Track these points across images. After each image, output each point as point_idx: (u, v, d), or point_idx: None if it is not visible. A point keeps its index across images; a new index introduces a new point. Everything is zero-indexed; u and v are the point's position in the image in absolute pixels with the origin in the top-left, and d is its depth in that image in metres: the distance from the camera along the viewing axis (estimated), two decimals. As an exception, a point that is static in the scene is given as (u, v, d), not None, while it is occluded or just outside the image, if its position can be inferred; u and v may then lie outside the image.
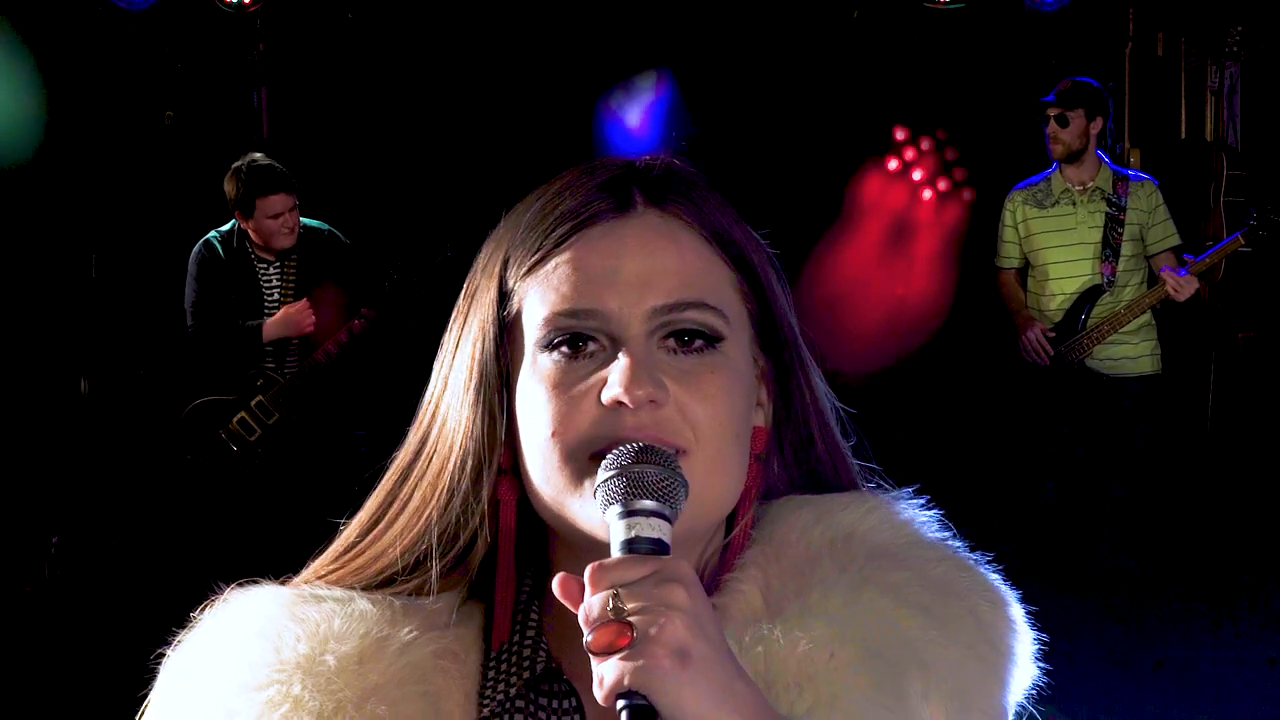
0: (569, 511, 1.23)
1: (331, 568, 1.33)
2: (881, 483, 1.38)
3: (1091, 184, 6.46)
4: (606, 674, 1.05)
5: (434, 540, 1.29)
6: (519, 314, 1.28)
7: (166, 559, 6.37)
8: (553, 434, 1.23)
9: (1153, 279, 6.43)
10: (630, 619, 1.06)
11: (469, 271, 1.34)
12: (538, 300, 1.27)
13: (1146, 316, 6.45)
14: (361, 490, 1.35)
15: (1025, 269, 6.67)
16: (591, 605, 1.08)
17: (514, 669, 1.28)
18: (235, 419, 6.20)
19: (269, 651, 1.24)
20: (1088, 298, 6.43)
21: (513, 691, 1.27)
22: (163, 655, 1.30)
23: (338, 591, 1.30)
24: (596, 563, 1.09)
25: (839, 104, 7.76)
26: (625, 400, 1.20)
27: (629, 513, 1.13)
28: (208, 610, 1.31)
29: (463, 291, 1.34)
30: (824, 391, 1.37)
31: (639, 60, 7.76)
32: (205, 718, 1.23)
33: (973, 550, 1.32)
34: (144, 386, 7.30)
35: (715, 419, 1.24)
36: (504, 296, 1.30)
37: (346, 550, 1.33)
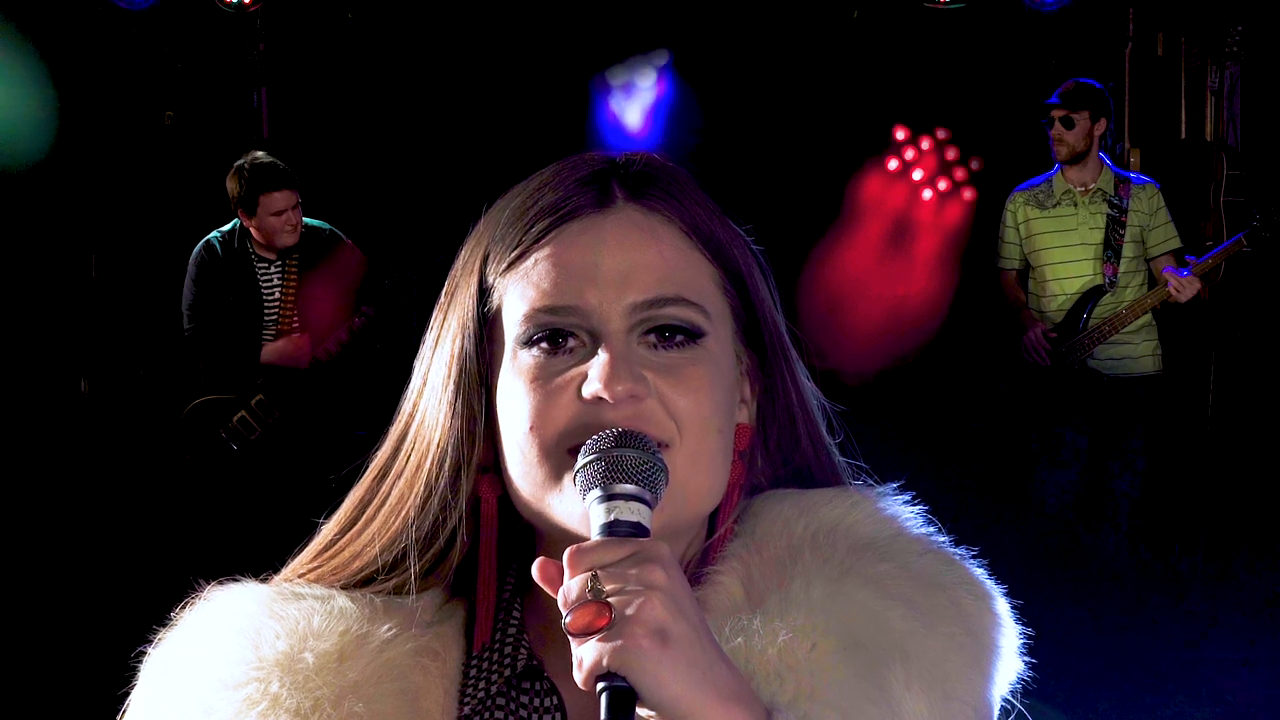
0: (548, 507, 1.23)
1: (311, 566, 1.32)
2: (868, 480, 1.37)
3: (1093, 185, 6.46)
4: (585, 655, 1.05)
5: (413, 538, 1.28)
6: (499, 310, 1.28)
7: (166, 559, 6.37)
8: (531, 428, 1.22)
9: (1154, 280, 6.43)
10: (608, 600, 1.05)
11: (449, 269, 1.33)
12: (517, 296, 1.26)
13: (1147, 317, 6.45)
14: (340, 488, 1.34)
15: (1025, 270, 6.67)
16: (570, 587, 1.07)
17: (495, 667, 1.27)
18: (235, 418, 6.20)
19: (248, 649, 1.23)
20: (1089, 298, 6.43)
21: (494, 689, 1.26)
22: (143, 654, 1.29)
23: (317, 589, 1.29)
24: (575, 546, 1.09)
25: (839, 104, 7.76)
26: (605, 395, 1.20)
27: (608, 496, 1.13)
28: (187, 608, 1.30)
29: (443, 289, 1.33)
30: (809, 388, 1.36)
31: (639, 60, 7.75)
32: (184, 715, 1.22)
33: (957, 545, 1.31)
34: (144, 386, 7.30)
35: (697, 412, 1.23)
36: (484, 293, 1.29)
37: (325, 549, 1.32)
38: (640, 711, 1.05)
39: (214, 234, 6.26)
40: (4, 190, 7.18)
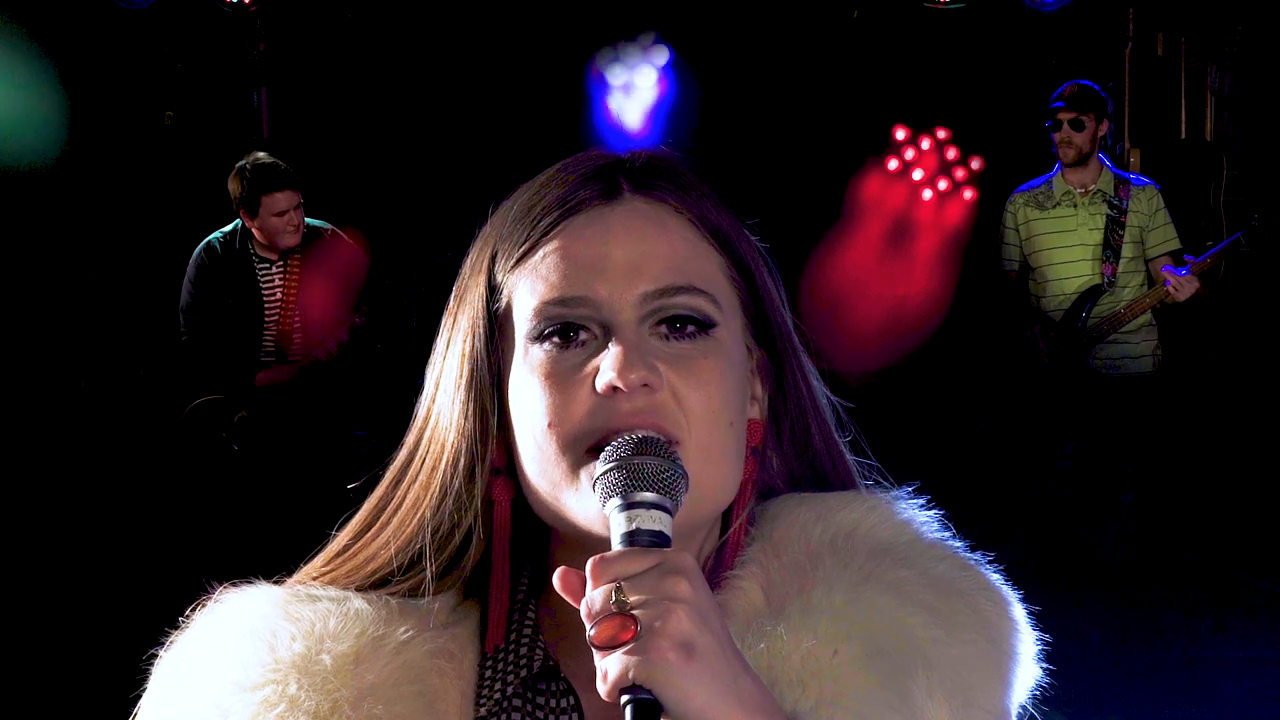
0: (566, 504, 1.22)
1: (326, 569, 1.32)
2: (880, 479, 1.36)
3: (1093, 187, 6.47)
4: (610, 668, 1.04)
5: (428, 539, 1.28)
6: (509, 307, 1.27)
7: (175, 560, 6.37)
8: (549, 425, 1.22)
9: (1154, 280, 6.43)
10: (633, 612, 1.04)
11: (458, 272, 1.33)
12: (527, 291, 1.26)
13: (1146, 316, 6.46)
14: (356, 495, 1.34)
15: (1024, 271, 6.67)
16: (594, 599, 1.06)
17: (511, 668, 1.27)
18: (236, 418, 6.19)
19: (264, 651, 1.23)
20: (1088, 298, 6.44)
21: (509, 690, 1.26)
22: (155, 656, 1.29)
23: (333, 591, 1.28)
24: (598, 556, 1.08)
25: (839, 104, 7.76)
26: (619, 384, 1.19)
27: (629, 505, 1.12)
28: (200, 610, 1.30)
29: (452, 292, 1.33)
30: (819, 386, 1.36)
31: (639, 60, 7.75)
32: (198, 718, 1.21)
33: (973, 550, 1.31)
34: (144, 386, 7.30)
35: (709, 406, 1.22)
36: (493, 291, 1.28)
37: (341, 552, 1.32)
38: None
39: (215, 235, 6.26)
40: (4, 190, 7.18)
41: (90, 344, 7.45)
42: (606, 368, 1.20)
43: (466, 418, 1.28)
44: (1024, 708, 1.27)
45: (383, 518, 1.31)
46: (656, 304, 1.23)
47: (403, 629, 1.24)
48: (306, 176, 6.36)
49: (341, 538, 1.33)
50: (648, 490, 1.13)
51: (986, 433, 7.04)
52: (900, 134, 7.88)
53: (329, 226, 6.35)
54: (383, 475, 1.34)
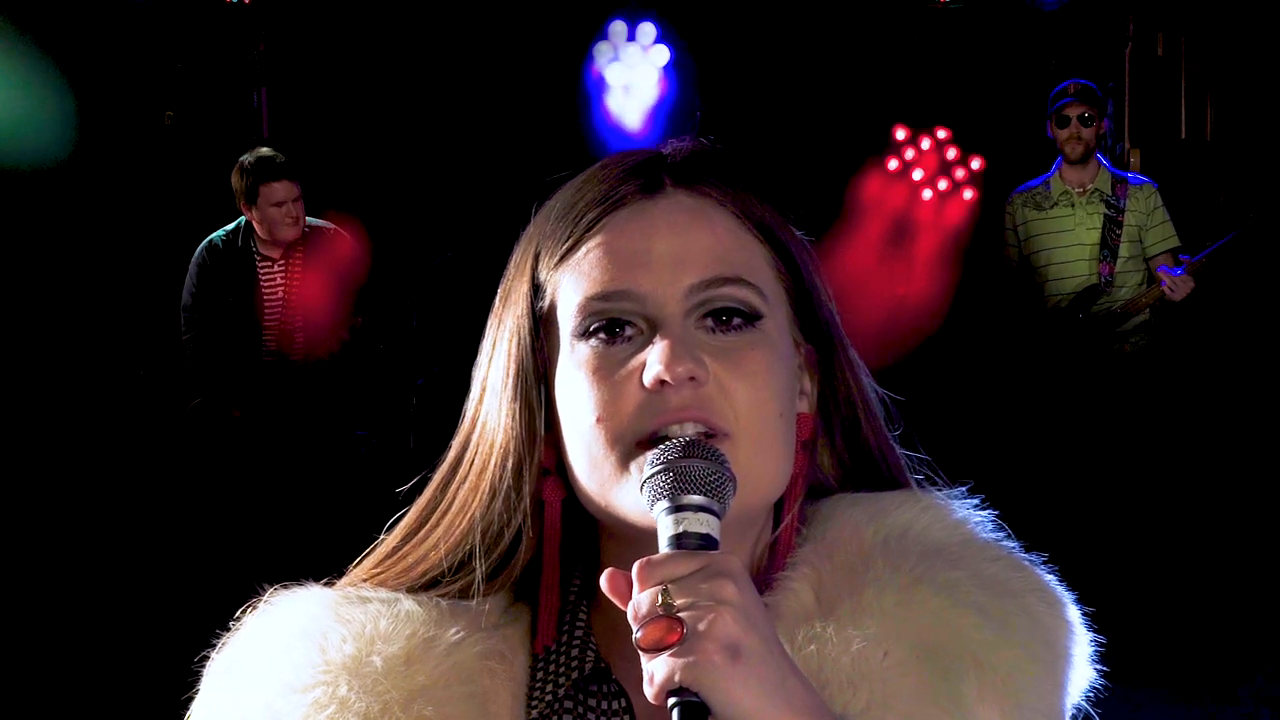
0: (615, 500, 1.21)
1: (376, 571, 1.31)
2: (930, 474, 1.36)
3: (1091, 186, 6.48)
4: (656, 671, 1.04)
5: (478, 540, 1.27)
6: (553, 305, 1.27)
7: (167, 559, 6.37)
8: (596, 420, 1.21)
9: (1152, 279, 6.44)
10: (680, 615, 1.04)
11: (501, 274, 1.33)
12: (571, 288, 1.25)
13: (1144, 315, 6.46)
14: (405, 498, 1.34)
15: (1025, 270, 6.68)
16: (640, 601, 1.06)
17: (562, 670, 1.26)
18: (237, 417, 6.19)
19: (314, 652, 1.22)
20: (1085, 297, 6.44)
21: (561, 692, 1.25)
22: (206, 658, 1.28)
23: (383, 593, 1.28)
24: (644, 559, 1.08)
25: (839, 104, 7.76)
26: (666, 377, 1.18)
27: (677, 508, 1.12)
28: (251, 612, 1.29)
29: (497, 294, 1.32)
30: (868, 379, 1.35)
31: (640, 60, 7.75)
32: (249, 719, 1.22)
33: (1027, 550, 1.30)
34: (144, 386, 7.30)
35: (757, 398, 1.22)
36: (537, 290, 1.28)
37: (390, 554, 1.31)
38: None
39: (217, 234, 6.26)
40: (5, 190, 7.18)
41: (89, 344, 7.45)
42: (653, 361, 1.19)
43: (513, 418, 1.27)
44: (1078, 709, 1.27)
45: (432, 519, 1.30)
46: (701, 296, 1.23)
47: (453, 630, 1.24)
48: (306, 176, 6.36)
49: (391, 539, 1.32)
50: (695, 493, 1.12)
51: (985, 433, 7.04)
52: (900, 134, 7.88)
53: (331, 226, 6.36)
54: (431, 477, 1.33)
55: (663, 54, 7.71)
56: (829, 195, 7.76)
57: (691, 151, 1.31)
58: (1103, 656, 1.27)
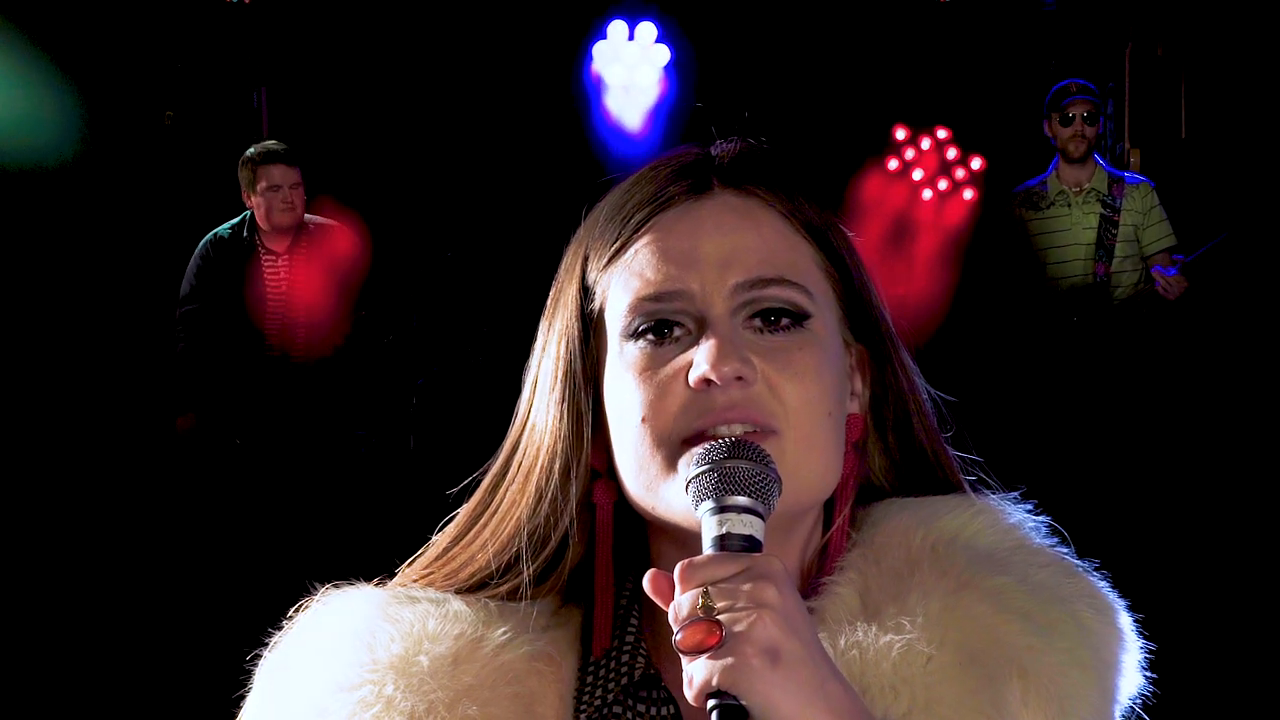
0: (662, 500, 1.21)
1: (425, 572, 1.31)
2: (983, 475, 1.35)
3: (1087, 185, 6.50)
4: (696, 673, 1.04)
5: (524, 543, 1.27)
6: (603, 307, 1.27)
7: (168, 558, 6.36)
8: (643, 420, 1.22)
9: (1147, 279, 6.45)
10: (719, 617, 1.05)
11: (553, 279, 1.33)
12: (620, 289, 1.26)
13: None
14: (455, 502, 1.34)
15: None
16: (681, 603, 1.06)
17: (612, 675, 1.26)
18: (238, 417, 6.20)
19: (362, 651, 1.23)
20: (1080, 297, 6.46)
21: (610, 697, 1.25)
22: (258, 656, 1.29)
23: (432, 593, 1.28)
24: (686, 560, 1.08)
25: (839, 104, 7.76)
26: (713, 377, 1.19)
27: (721, 508, 1.12)
28: (302, 611, 1.30)
29: (548, 298, 1.33)
30: (920, 380, 1.34)
31: (640, 60, 7.75)
32: (297, 717, 1.22)
33: (1081, 557, 1.29)
34: (145, 387, 7.29)
35: (806, 397, 1.22)
36: (586, 292, 1.29)
37: (439, 556, 1.32)
38: None
39: (222, 227, 6.28)
40: (4, 190, 7.17)
41: (88, 345, 7.45)
42: (700, 361, 1.20)
43: (561, 420, 1.27)
44: (1127, 717, 1.26)
45: (480, 521, 1.30)
46: (749, 296, 1.23)
47: (501, 630, 1.25)
48: (306, 176, 6.37)
49: (440, 541, 1.33)
50: (740, 494, 1.12)
51: (984, 433, 7.03)
52: (900, 134, 7.87)
53: (332, 222, 6.37)
54: (481, 480, 1.33)
55: (663, 54, 7.71)
56: (829, 195, 7.75)
57: (739, 152, 1.31)
58: (1153, 664, 1.26)
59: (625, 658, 1.27)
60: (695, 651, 1.04)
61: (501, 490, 1.30)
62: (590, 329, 1.28)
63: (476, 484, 1.33)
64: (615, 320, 1.26)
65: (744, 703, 1.04)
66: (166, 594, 6.03)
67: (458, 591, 1.28)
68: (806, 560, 1.28)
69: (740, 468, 1.13)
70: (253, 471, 6.21)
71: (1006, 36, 7.73)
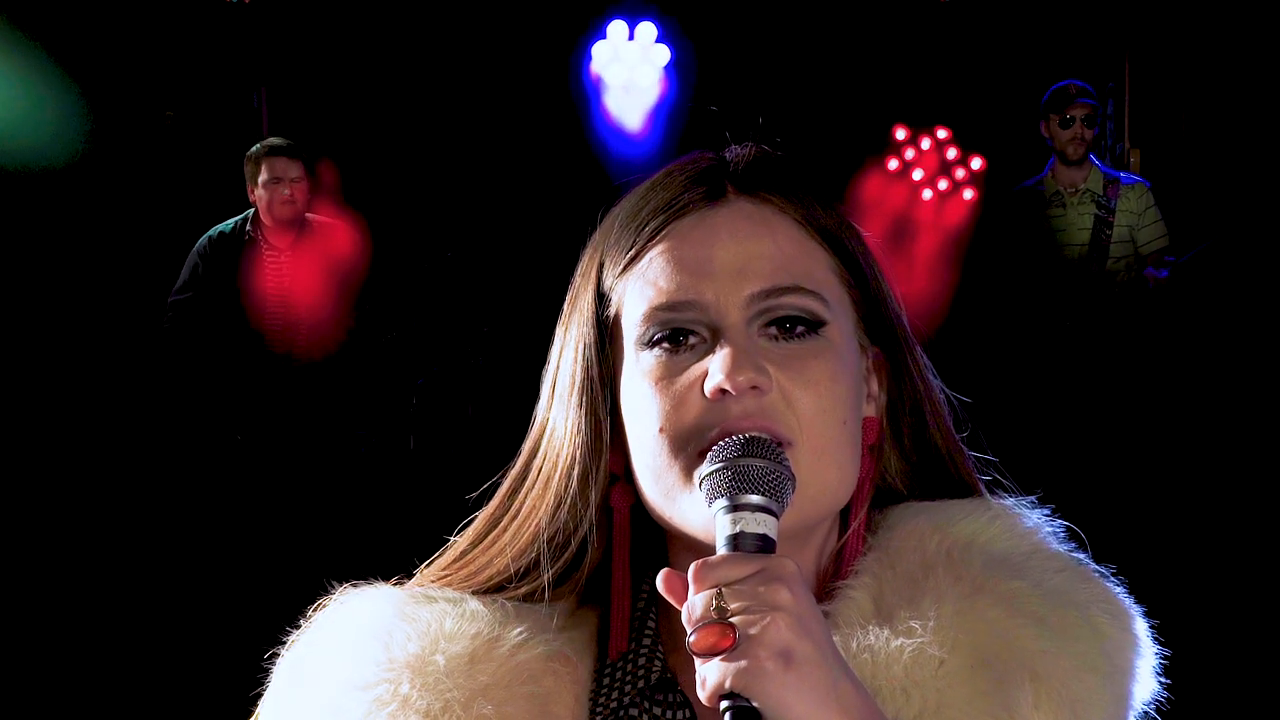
0: (679, 509, 1.21)
1: (443, 574, 1.32)
2: (998, 476, 1.35)
3: (1083, 186, 6.51)
4: (709, 675, 1.05)
5: (543, 547, 1.27)
6: (618, 314, 1.27)
7: (168, 557, 6.36)
8: (660, 430, 1.22)
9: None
10: (733, 619, 1.05)
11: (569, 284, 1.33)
12: (635, 296, 1.26)
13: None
14: (473, 506, 1.34)
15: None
16: (694, 604, 1.06)
17: (628, 677, 1.27)
18: (238, 416, 6.20)
19: (379, 650, 1.23)
20: (1075, 297, 6.48)
21: (626, 700, 1.26)
22: (276, 655, 1.29)
23: (449, 593, 1.29)
24: (700, 560, 1.08)
25: (839, 103, 7.76)
26: (728, 387, 1.19)
27: (734, 507, 1.12)
28: (320, 610, 1.30)
29: (565, 303, 1.33)
30: (936, 382, 1.34)
31: (640, 60, 7.76)
32: (314, 715, 1.22)
33: (1098, 562, 1.29)
34: (144, 387, 7.29)
35: (821, 406, 1.22)
36: (602, 299, 1.29)
37: (458, 558, 1.32)
38: None
39: (222, 225, 6.29)
40: (4, 191, 7.17)
41: (88, 346, 7.44)
42: (715, 370, 1.20)
43: (579, 427, 1.27)
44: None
45: (500, 525, 1.30)
46: (764, 305, 1.23)
47: (518, 631, 1.25)
48: (310, 174, 6.37)
49: (459, 544, 1.33)
50: (754, 493, 1.12)
51: (984, 433, 7.04)
52: (900, 134, 7.88)
53: (333, 221, 6.38)
54: (498, 484, 1.33)
55: (663, 54, 7.71)
56: (838, 196, 7.76)
57: (754, 158, 1.31)
58: (1167, 670, 1.26)
59: (642, 660, 1.27)
60: (709, 653, 1.05)
61: (521, 495, 1.30)
62: (606, 335, 1.28)
63: (494, 488, 1.33)
64: (631, 328, 1.26)
65: (757, 705, 1.04)
66: (168, 592, 6.03)
67: (475, 593, 1.29)
68: (822, 564, 1.28)
69: (754, 465, 1.13)
70: (253, 471, 6.21)
71: (1006, 36, 7.73)
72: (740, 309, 1.22)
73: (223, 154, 6.57)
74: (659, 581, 1.11)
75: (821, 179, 1.32)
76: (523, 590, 1.28)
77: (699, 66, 7.73)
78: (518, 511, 1.29)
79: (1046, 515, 1.31)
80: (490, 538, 1.30)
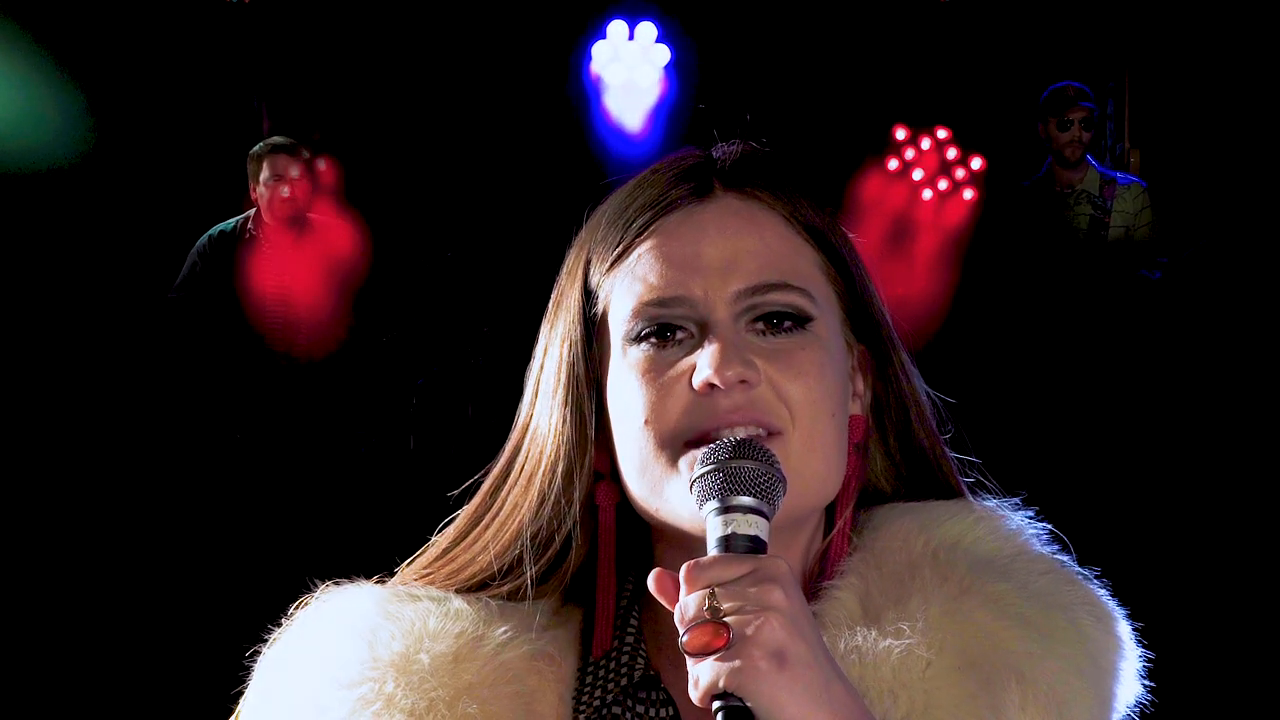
0: (666, 502, 1.21)
1: (425, 572, 1.31)
2: (980, 477, 1.35)
3: (1079, 186, 6.52)
4: (702, 675, 1.05)
5: (527, 544, 1.27)
6: (605, 311, 1.27)
7: (168, 555, 6.37)
8: (645, 423, 1.22)
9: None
10: (726, 619, 1.05)
11: (554, 282, 1.33)
12: (623, 293, 1.26)
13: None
14: (455, 504, 1.33)
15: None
16: (687, 605, 1.06)
17: (612, 675, 1.27)
18: (238, 415, 6.20)
19: (363, 649, 1.23)
20: (1070, 296, 6.49)
21: (609, 697, 1.26)
22: (257, 653, 1.29)
23: (433, 591, 1.28)
24: (692, 561, 1.08)
25: (839, 103, 7.76)
26: (716, 382, 1.19)
27: (726, 509, 1.12)
28: (302, 608, 1.29)
29: (550, 301, 1.33)
30: (920, 382, 1.35)
31: (640, 60, 7.76)
32: (297, 714, 1.22)
33: (1081, 564, 1.29)
34: (145, 387, 7.30)
35: (810, 396, 1.22)
36: (589, 296, 1.29)
37: (440, 556, 1.32)
38: None
39: (227, 222, 6.30)
40: (4, 191, 7.18)
41: (87, 346, 7.44)
42: (703, 365, 1.20)
43: (564, 423, 1.27)
44: None
45: (483, 523, 1.30)
46: (751, 301, 1.23)
47: (502, 630, 1.25)
48: (310, 174, 6.38)
49: (441, 542, 1.32)
50: (745, 494, 1.12)
51: (982, 433, 7.04)
52: (900, 134, 7.88)
53: (333, 220, 6.39)
54: (482, 482, 1.33)
55: (663, 54, 7.71)
56: (829, 195, 7.76)
57: (741, 155, 1.31)
58: (1151, 672, 1.26)
59: (625, 658, 1.27)
60: (702, 653, 1.04)
61: (504, 492, 1.30)
62: (593, 332, 1.28)
63: (477, 486, 1.33)
64: (618, 324, 1.25)
65: (750, 704, 1.04)
66: (165, 591, 6.04)
67: (458, 591, 1.28)
68: (808, 564, 1.28)
69: (745, 468, 1.13)
70: (253, 470, 6.22)
71: (1006, 37, 7.73)
72: (728, 304, 1.23)
73: (223, 154, 6.58)
74: (650, 582, 1.11)
75: (809, 176, 1.32)
76: (506, 588, 1.28)
77: (699, 66, 7.73)
78: (500, 508, 1.29)
79: (1030, 518, 1.31)
80: (473, 535, 1.30)
